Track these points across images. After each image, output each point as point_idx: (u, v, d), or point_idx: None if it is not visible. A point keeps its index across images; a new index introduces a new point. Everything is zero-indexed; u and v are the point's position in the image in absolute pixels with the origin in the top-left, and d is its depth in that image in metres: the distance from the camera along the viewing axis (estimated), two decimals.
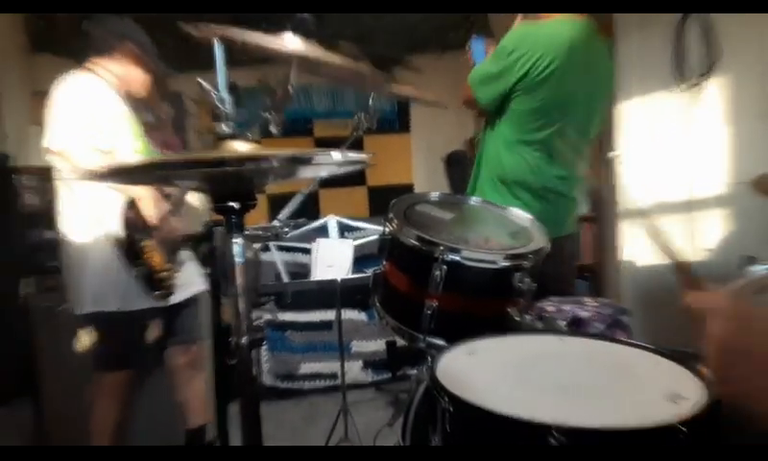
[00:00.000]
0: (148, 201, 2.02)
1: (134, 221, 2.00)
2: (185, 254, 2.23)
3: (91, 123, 2.05)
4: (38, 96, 3.74)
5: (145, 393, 2.43)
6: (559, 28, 1.93)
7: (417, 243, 1.36)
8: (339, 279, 2.42)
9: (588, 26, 1.98)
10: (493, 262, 1.35)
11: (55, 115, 2.06)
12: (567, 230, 2.15)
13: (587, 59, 1.97)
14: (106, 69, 2.19)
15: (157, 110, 2.52)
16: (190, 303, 2.28)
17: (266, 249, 2.94)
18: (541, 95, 1.92)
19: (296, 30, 1.23)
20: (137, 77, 2.24)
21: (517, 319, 1.36)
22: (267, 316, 3.41)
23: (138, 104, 2.30)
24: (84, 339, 2.17)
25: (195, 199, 2.25)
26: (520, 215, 1.66)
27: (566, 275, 2.17)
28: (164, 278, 2.03)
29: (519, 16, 2.08)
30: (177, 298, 2.20)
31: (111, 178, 1.70)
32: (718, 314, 0.75)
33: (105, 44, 2.19)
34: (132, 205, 2.01)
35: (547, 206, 2.01)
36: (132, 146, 2.19)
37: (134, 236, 1.98)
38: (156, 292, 2.04)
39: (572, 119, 1.98)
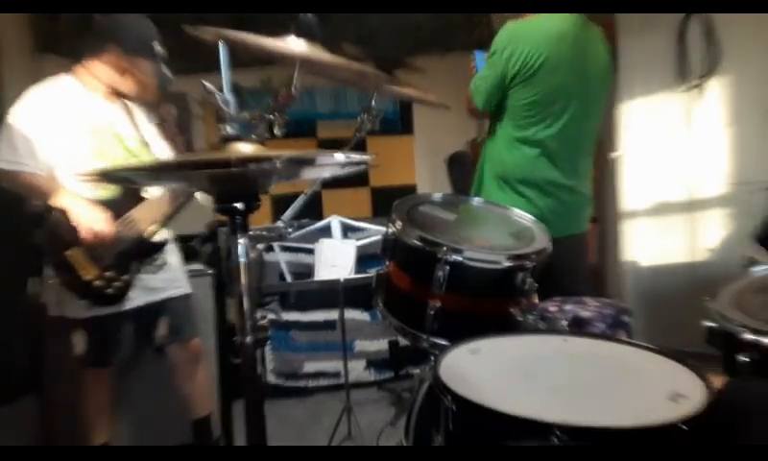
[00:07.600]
0: (79, 209, 1.90)
1: (56, 229, 1.90)
2: (172, 256, 2.18)
3: (40, 137, 1.94)
4: None
5: (151, 385, 2.46)
6: (546, 22, 1.96)
7: (420, 243, 1.37)
8: (342, 279, 2.43)
9: (577, 16, 2.00)
10: (496, 262, 1.36)
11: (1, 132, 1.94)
12: (579, 227, 2.15)
13: (578, 48, 1.98)
14: (91, 73, 2.08)
15: (162, 112, 2.49)
16: (177, 301, 2.21)
17: (270, 249, 2.95)
18: (536, 88, 1.95)
19: (299, 32, 1.24)
20: (129, 81, 2.09)
21: (520, 319, 1.37)
22: (271, 316, 3.42)
23: (142, 107, 2.24)
24: (78, 341, 2.15)
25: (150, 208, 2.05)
26: (523, 215, 1.67)
27: (578, 273, 2.17)
28: (100, 286, 1.93)
29: None
30: (156, 297, 2.14)
31: (112, 180, 1.70)
32: None
33: (92, 46, 2.07)
34: (56, 214, 1.91)
35: (555, 203, 2.02)
36: (104, 153, 2.04)
37: (57, 245, 1.90)
38: (87, 300, 1.95)
39: (569, 109, 1.99)
